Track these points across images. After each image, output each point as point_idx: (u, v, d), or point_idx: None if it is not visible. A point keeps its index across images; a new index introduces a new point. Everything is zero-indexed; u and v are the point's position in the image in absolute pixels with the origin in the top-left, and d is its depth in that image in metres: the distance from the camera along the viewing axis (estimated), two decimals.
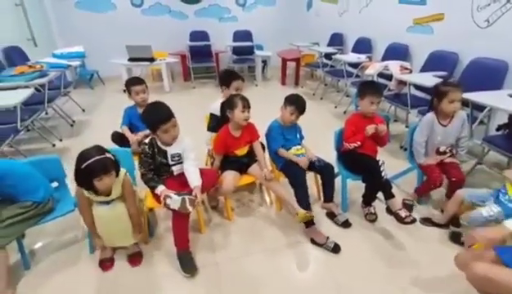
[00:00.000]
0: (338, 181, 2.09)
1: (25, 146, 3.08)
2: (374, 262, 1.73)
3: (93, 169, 1.38)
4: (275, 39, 6.28)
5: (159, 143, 1.71)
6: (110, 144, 2.06)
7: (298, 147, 2.05)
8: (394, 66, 3.17)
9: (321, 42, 5.56)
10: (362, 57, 4.00)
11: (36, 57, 3.79)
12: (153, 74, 5.85)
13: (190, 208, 1.58)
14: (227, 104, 1.90)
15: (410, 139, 2.16)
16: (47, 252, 1.80)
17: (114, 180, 1.50)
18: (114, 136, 2.22)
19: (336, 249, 1.78)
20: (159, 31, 5.83)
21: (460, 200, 1.77)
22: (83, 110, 4.18)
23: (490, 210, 1.52)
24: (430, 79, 2.74)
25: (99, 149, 1.45)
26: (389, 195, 1.84)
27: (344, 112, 4.06)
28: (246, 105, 1.86)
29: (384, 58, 3.96)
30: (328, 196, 2.01)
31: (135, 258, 1.72)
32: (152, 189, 1.69)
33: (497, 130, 2.42)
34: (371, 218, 2.01)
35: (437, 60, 3.26)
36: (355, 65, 4.14)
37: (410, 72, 3.21)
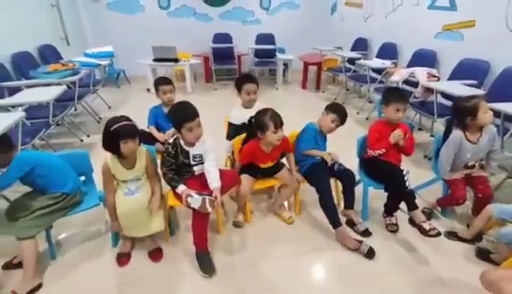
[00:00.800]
0: (359, 189, 2.05)
1: (55, 140, 3.24)
2: (393, 274, 1.68)
3: (120, 132, 1.52)
4: (297, 43, 6.26)
5: (182, 143, 1.75)
6: None
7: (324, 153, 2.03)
8: (421, 73, 3.07)
9: (345, 46, 5.49)
10: (387, 63, 3.91)
11: (68, 56, 3.99)
12: (176, 75, 5.98)
13: (209, 208, 1.60)
14: (257, 126, 1.79)
15: (436, 148, 2.08)
16: (72, 244, 1.88)
17: (137, 147, 1.63)
18: (141, 134, 2.28)
19: (370, 254, 1.75)
20: (183, 33, 5.97)
21: (489, 216, 1.70)
22: (110, 107, 4.33)
23: None
24: (459, 88, 2.64)
25: (126, 118, 1.59)
26: (413, 206, 1.78)
27: (367, 118, 3.98)
28: (278, 124, 1.75)
29: (410, 64, 3.86)
30: (348, 203, 1.97)
31: (156, 254, 1.77)
32: (173, 188, 1.73)
33: None
34: (393, 229, 1.96)
35: (467, 68, 3.13)
36: (379, 71, 4.06)
37: (438, 79, 3.10)
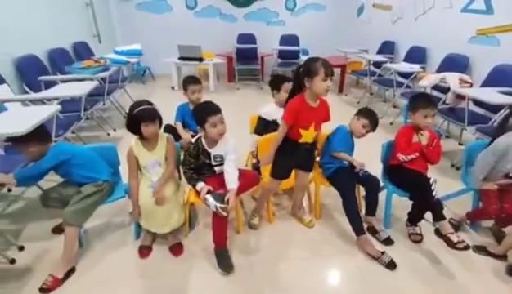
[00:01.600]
0: (382, 196, 2.00)
1: (84, 133, 3.37)
2: (415, 286, 1.62)
3: (142, 115, 1.63)
4: (321, 44, 6.19)
5: (204, 143, 1.76)
6: None
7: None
8: (453, 78, 2.95)
9: (371, 49, 5.37)
10: (416, 67, 3.79)
11: (99, 52, 4.16)
12: (200, 74, 6.07)
13: (223, 214, 1.62)
14: (305, 72, 1.61)
15: (467, 158, 1.99)
16: (98, 234, 1.95)
17: (158, 130, 1.73)
18: (167, 129, 2.33)
19: (391, 266, 1.71)
20: (208, 32, 6.06)
21: None
22: None
23: None
24: (494, 95, 2.51)
25: (148, 102, 1.70)
26: (440, 217, 1.71)
27: (391, 123, 3.88)
28: (329, 73, 1.56)
29: (440, 69, 3.71)
30: (370, 210, 1.93)
31: (176, 248, 1.81)
32: (193, 186, 1.76)
33: None
34: (416, 239, 1.89)
35: (503, 75, 2.97)
36: (406, 75, 3.93)
37: (471, 86, 2.97)
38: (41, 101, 2.62)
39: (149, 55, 5.42)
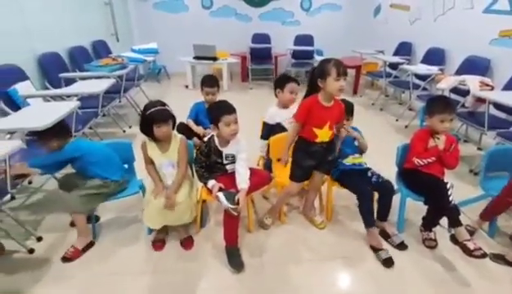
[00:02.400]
0: (395, 199, 1.96)
1: (101, 129, 3.46)
2: (428, 293, 1.58)
3: (154, 116, 1.64)
4: (336, 45, 6.13)
5: (216, 142, 1.77)
6: None
7: (356, 155, 1.98)
8: (473, 81, 2.86)
9: (387, 50, 5.28)
10: (434, 69, 3.70)
11: (117, 51, 4.26)
12: (214, 73, 6.12)
13: (234, 214, 1.63)
14: (319, 73, 1.63)
15: (487, 163, 1.93)
16: (111, 228, 2.00)
17: (171, 131, 1.73)
18: (180, 127, 2.36)
19: (388, 263, 1.71)
20: (223, 32, 6.10)
21: None
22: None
23: None
24: None
25: (161, 103, 1.71)
26: (456, 223, 1.66)
27: (406, 126, 3.79)
28: (341, 72, 1.57)
29: (460, 71, 3.61)
30: (383, 215, 1.90)
31: (187, 242, 1.84)
32: (205, 184, 1.78)
33: None
34: (431, 244, 1.85)
35: None
36: (423, 77, 3.85)
37: (492, 89, 2.88)
38: (60, 97, 2.70)
39: (164, 54, 5.50)
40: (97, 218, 2.01)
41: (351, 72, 5.33)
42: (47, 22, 3.28)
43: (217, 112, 1.69)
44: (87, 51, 3.93)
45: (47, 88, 3.05)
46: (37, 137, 1.68)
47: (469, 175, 2.71)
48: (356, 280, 1.67)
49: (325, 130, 1.72)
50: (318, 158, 1.81)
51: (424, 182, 1.82)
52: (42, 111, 1.94)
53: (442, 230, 1.94)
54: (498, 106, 2.75)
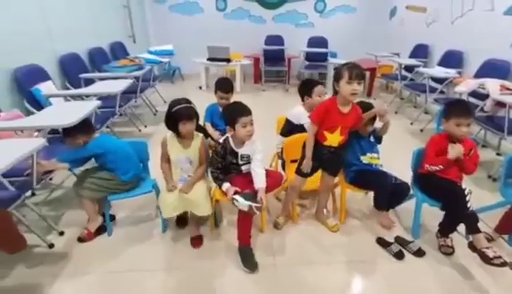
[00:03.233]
0: (411, 205, 1.94)
1: (117, 128, 3.54)
2: None
3: (180, 113, 1.69)
4: (351, 47, 6.08)
5: (231, 143, 1.79)
6: None
7: (375, 155, 1.97)
8: (493, 85, 2.79)
9: (402, 52, 5.20)
10: (452, 72, 3.62)
11: (134, 52, 4.36)
12: (227, 74, 6.18)
13: (257, 212, 1.64)
14: (334, 76, 1.68)
15: (507, 169, 1.88)
16: (125, 225, 2.05)
17: (194, 128, 1.78)
18: (196, 128, 2.40)
19: (400, 256, 1.74)
20: (237, 34, 6.15)
21: None
22: (165, 102, 4.63)
23: None
24: None
25: (186, 100, 1.76)
26: (475, 230, 1.62)
27: (421, 130, 3.73)
28: (354, 76, 1.56)
29: (478, 75, 3.52)
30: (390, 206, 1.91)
31: (196, 241, 1.87)
32: (219, 186, 1.79)
33: None
34: (447, 251, 1.81)
35: None
36: (440, 80, 3.77)
37: None
38: (80, 97, 2.79)
39: (179, 56, 5.57)
40: (113, 217, 2.06)
41: (365, 74, 5.28)
42: (68, 24, 3.39)
43: (234, 114, 1.71)
44: (105, 53, 4.05)
45: (67, 88, 3.16)
46: (64, 134, 1.77)
47: (488, 181, 2.64)
48: (369, 285, 1.66)
49: (335, 135, 1.73)
50: (324, 160, 1.83)
51: (441, 187, 1.78)
52: (66, 110, 2.03)
53: (459, 237, 1.90)
54: None
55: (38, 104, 2.55)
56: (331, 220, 2.04)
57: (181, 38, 5.96)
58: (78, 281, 1.62)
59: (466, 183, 1.83)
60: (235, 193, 1.69)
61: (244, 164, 1.84)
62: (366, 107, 1.87)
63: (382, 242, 1.88)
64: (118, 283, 1.61)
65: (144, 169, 2.07)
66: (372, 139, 2.01)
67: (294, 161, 1.99)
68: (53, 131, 2.15)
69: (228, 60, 5.13)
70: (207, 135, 2.33)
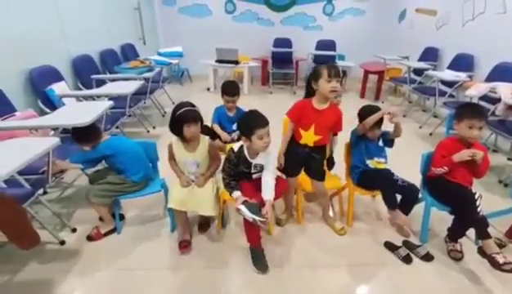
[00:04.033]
0: (420, 208, 1.92)
1: (126, 129, 3.60)
2: None
3: (185, 116, 1.70)
4: (359, 50, 6.06)
5: (246, 153, 1.73)
6: None
7: (382, 160, 1.96)
8: (505, 88, 2.75)
9: (412, 55, 5.16)
10: (462, 76, 3.58)
11: (144, 54, 4.42)
12: (235, 76, 6.23)
13: (262, 226, 1.65)
14: (312, 76, 1.73)
15: None
16: (134, 223, 2.08)
17: (199, 131, 1.79)
18: (204, 129, 2.42)
19: (408, 259, 1.74)
20: (245, 36, 6.19)
21: None
22: (173, 103, 4.67)
23: None
24: None
25: (190, 104, 1.78)
26: (485, 235, 1.60)
27: (430, 134, 3.70)
28: (333, 75, 1.63)
29: (490, 78, 3.47)
30: (403, 212, 1.85)
31: (184, 244, 1.86)
32: (229, 193, 1.76)
33: None
34: (456, 256, 1.79)
35: None
36: (449, 84, 3.73)
37: None
38: (92, 98, 2.84)
39: (187, 57, 5.62)
40: (122, 216, 2.09)
41: (373, 77, 5.27)
42: (81, 26, 3.47)
43: (251, 124, 1.62)
44: (116, 54, 4.12)
45: (79, 89, 3.22)
46: (74, 139, 1.82)
47: (499, 186, 2.60)
48: (376, 289, 1.65)
49: (309, 133, 1.80)
50: (302, 161, 1.91)
51: (450, 191, 1.77)
52: (79, 110, 2.08)
53: (468, 242, 1.88)
54: None
55: (52, 104, 2.61)
56: (338, 223, 2.04)
57: (190, 40, 6.03)
58: (88, 278, 1.65)
59: (476, 188, 1.81)
60: (243, 202, 1.66)
61: (256, 173, 1.81)
62: (373, 110, 1.87)
63: (389, 245, 1.87)
64: (126, 281, 1.64)
65: (153, 169, 2.10)
66: (381, 143, 2.01)
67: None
68: (65, 130, 2.20)
69: (236, 62, 5.16)
70: (214, 136, 2.35)
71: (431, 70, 4.11)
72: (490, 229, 1.64)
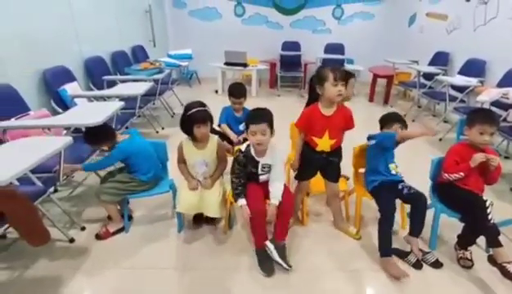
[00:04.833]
0: (429, 215, 1.89)
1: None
2: None
3: (195, 117, 1.72)
4: (368, 54, 6.04)
5: (252, 152, 1.73)
6: None
7: (396, 164, 1.95)
8: None
9: (421, 60, 5.11)
10: (473, 81, 3.53)
11: (154, 56, 4.48)
12: (243, 79, 6.25)
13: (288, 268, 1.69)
14: (316, 80, 1.70)
15: None
16: (143, 223, 2.10)
17: (209, 132, 1.81)
18: (212, 132, 2.45)
19: (418, 266, 1.73)
20: (254, 39, 6.23)
21: None
22: (182, 104, 4.72)
23: None
24: None
25: (201, 104, 1.79)
26: (496, 243, 1.58)
27: (440, 139, 3.64)
28: (338, 77, 1.61)
29: (502, 84, 3.41)
30: (415, 231, 1.79)
31: (200, 222, 1.94)
32: (235, 199, 1.76)
33: None
34: (466, 264, 1.76)
35: None
36: (460, 89, 3.68)
37: None
38: (103, 98, 2.89)
39: (196, 60, 5.66)
40: (130, 217, 2.11)
41: (382, 81, 5.23)
42: (94, 28, 3.53)
43: (248, 120, 1.68)
44: (127, 55, 4.18)
45: (90, 89, 3.28)
46: (87, 143, 1.87)
47: (510, 193, 2.55)
48: None
49: (324, 139, 1.77)
50: (319, 166, 1.89)
51: (461, 198, 1.74)
52: (91, 110, 2.13)
53: (478, 250, 1.84)
54: None
55: (64, 104, 2.66)
56: (353, 228, 2.02)
57: (200, 43, 6.09)
58: (96, 276, 1.67)
59: (488, 195, 1.78)
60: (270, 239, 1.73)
61: (263, 174, 1.80)
62: (394, 118, 1.93)
63: (399, 252, 1.84)
64: (134, 280, 1.65)
65: (163, 169, 2.12)
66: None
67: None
68: (76, 130, 2.24)
69: (245, 65, 5.19)
70: (222, 138, 2.36)
71: (441, 75, 4.06)
72: (501, 238, 1.61)
